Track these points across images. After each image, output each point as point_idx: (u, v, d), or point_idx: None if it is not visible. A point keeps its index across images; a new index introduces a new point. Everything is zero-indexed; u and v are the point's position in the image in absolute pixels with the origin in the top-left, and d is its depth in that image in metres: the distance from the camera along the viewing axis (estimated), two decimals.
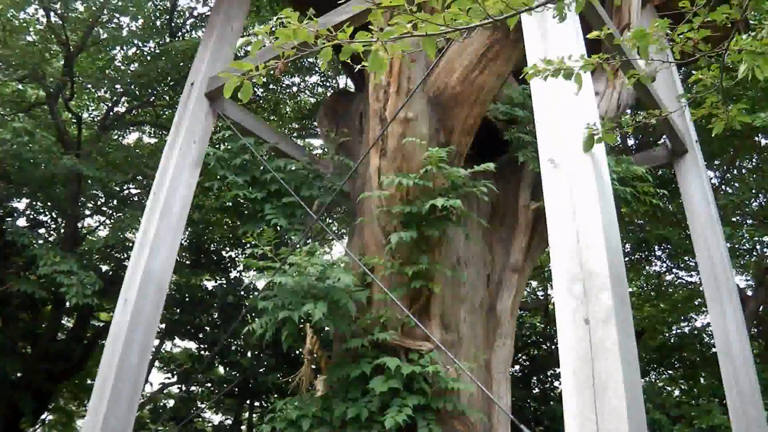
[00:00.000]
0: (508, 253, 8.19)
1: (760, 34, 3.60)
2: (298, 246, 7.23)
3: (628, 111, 12.05)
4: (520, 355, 15.95)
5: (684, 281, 17.40)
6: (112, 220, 15.42)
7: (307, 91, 16.47)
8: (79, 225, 15.35)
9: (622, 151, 11.31)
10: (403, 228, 6.81)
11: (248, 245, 7.51)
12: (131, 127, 16.22)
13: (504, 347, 7.91)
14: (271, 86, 15.44)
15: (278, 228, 7.85)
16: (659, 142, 12.58)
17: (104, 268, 14.17)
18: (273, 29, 2.96)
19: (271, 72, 3.13)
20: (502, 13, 2.79)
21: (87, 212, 15.83)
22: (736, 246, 15.25)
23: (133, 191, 15.45)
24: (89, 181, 13.21)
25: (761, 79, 3.57)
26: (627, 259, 15.86)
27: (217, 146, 8.98)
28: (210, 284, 16.05)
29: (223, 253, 15.40)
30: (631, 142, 14.92)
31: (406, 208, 6.71)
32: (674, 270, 17.29)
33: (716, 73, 3.87)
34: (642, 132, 14.23)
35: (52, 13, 12.89)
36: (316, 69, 15.22)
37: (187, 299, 14.85)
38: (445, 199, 6.47)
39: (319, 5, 10.19)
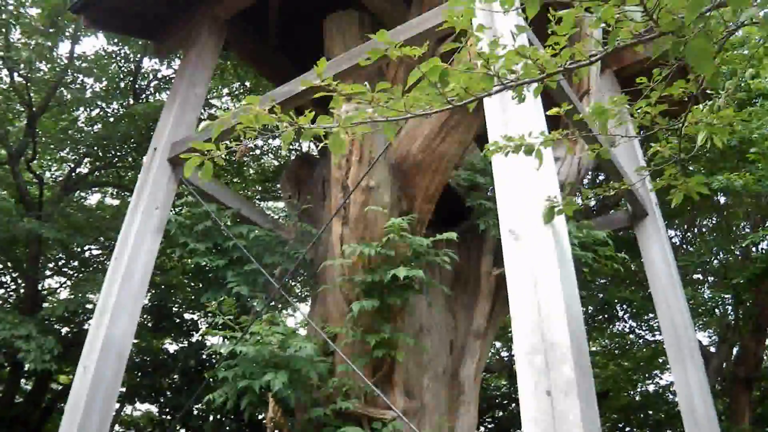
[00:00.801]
0: (471, 319, 8.19)
1: (716, 104, 3.68)
2: (259, 315, 7.18)
3: (589, 174, 12.22)
4: (484, 417, 15.87)
5: (647, 340, 17.49)
6: (73, 281, 15.25)
7: (270, 154, 16.52)
8: (39, 286, 15.16)
9: (583, 214, 11.44)
10: (366, 296, 6.80)
11: (210, 311, 7.43)
12: (93, 189, 16.13)
13: (468, 414, 7.86)
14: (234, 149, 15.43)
15: (240, 296, 7.80)
16: (620, 204, 12.72)
17: (64, 330, 13.95)
18: (234, 114, 2.98)
19: (233, 155, 3.14)
20: (461, 99, 2.83)
21: (48, 273, 15.66)
22: (698, 303, 15.38)
23: (95, 252, 15.30)
24: (50, 242, 13.06)
25: (719, 145, 3.65)
26: (590, 319, 15.94)
27: (180, 210, 8.93)
28: (172, 347, 15.86)
29: (186, 316, 15.22)
30: (592, 202, 15.07)
31: (368, 277, 6.71)
32: (637, 329, 17.38)
33: (674, 145, 3.94)
34: (603, 195, 14.37)
35: (15, 74, 12.86)
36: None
37: (148, 362, 14.62)
38: (408, 269, 6.48)
39: (281, 74, 10.32)
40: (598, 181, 16.00)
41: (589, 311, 15.74)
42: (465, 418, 7.84)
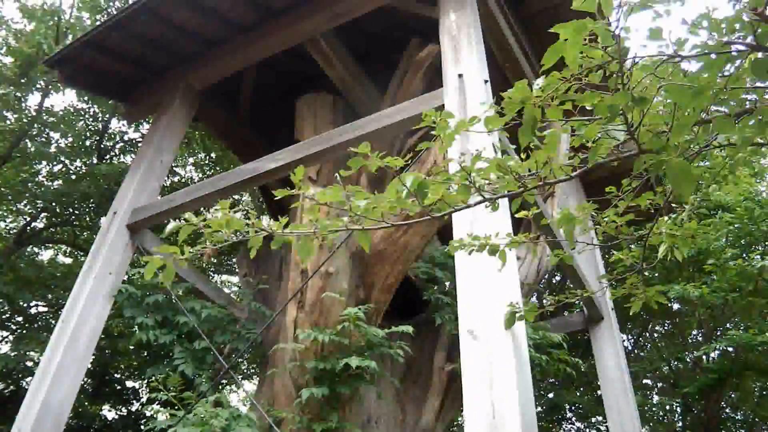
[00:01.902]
0: (420, 413, 8.05)
1: (680, 217, 3.70)
2: (204, 394, 7.01)
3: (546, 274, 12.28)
4: None
5: None
6: (15, 337, 14.89)
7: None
8: None
9: (539, 316, 11.44)
10: (316, 383, 6.67)
11: (154, 386, 7.23)
12: (47, 245, 15.87)
13: None
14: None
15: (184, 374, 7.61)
16: (575, 306, 12.74)
17: (1, 386, 13.59)
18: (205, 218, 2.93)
19: (200, 258, 3.08)
20: (440, 210, 2.80)
21: None
22: (647, 409, 15.38)
23: (42, 309, 14.99)
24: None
25: (680, 258, 3.66)
26: (539, 420, 15.81)
27: (133, 276, 8.76)
28: (110, 414, 15.45)
29: (127, 383, 14.88)
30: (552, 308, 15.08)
31: (320, 364, 6.59)
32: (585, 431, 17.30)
33: (637, 254, 3.94)
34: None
35: None
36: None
37: (84, 427, 14.21)
38: (360, 359, 6.38)
39: (249, 149, 10.32)
40: (554, 281, 16.10)
41: (538, 411, 15.64)
42: None
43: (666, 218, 3.66)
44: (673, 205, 3.82)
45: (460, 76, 6.16)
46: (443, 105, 6.07)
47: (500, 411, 4.19)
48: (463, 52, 6.39)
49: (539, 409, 15.55)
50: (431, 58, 8.09)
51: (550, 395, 15.34)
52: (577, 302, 11.20)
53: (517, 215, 3.90)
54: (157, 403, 7.06)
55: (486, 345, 4.58)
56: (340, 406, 6.90)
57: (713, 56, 2.16)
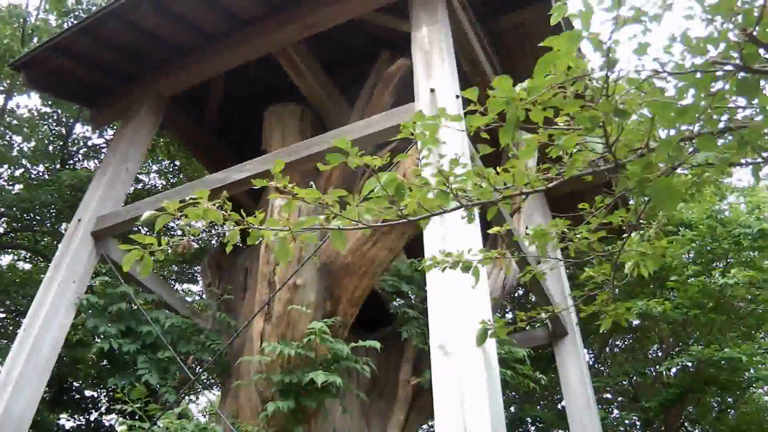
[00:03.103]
0: (385, 427, 8.02)
1: (647, 234, 3.73)
2: (170, 406, 6.93)
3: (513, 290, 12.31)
4: None
5: None
6: None
7: (191, 236, 16.24)
8: None
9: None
10: (281, 396, 6.63)
11: (118, 397, 7.13)
12: (7, 249, 15.62)
13: None
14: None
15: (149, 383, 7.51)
16: (538, 320, 12.78)
17: None
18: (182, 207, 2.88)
19: (175, 249, 3.04)
20: (416, 214, 2.79)
21: None
22: (608, 423, 15.46)
23: (0, 315, 14.75)
24: None
25: (646, 275, 3.69)
26: None
27: (94, 284, 8.65)
28: (68, 424, 15.19)
29: (86, 392, 14.64)
30: (522, 324, 15.14)
31: (285, 378, 6.55)
32: None
33: (607, 271, 3.96)
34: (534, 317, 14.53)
35: None
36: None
37: None
38: (326, 374, 6.35)
39: (216, 158, 10.26)
40: (516, 295, 16.14)
41: None
42: None
43: (634, 235, 3.69)
44: (641, 222, 3.85)
45: (432, 90, 6.17)
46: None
47: (471, 427, 4.19)
48: (435, 66, 6.41)
49: None
50: (401, 72, 8.09)
51: (512, 409, 15.36)
52: (543, 317, 11.28)
53: (489, 231, 3.92)
54: (119, 413, 6.96)
55: (457, 361, 4.58)
56: (306, 420, 6.85)
57: (699, 75, 2.18)
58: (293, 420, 6.73)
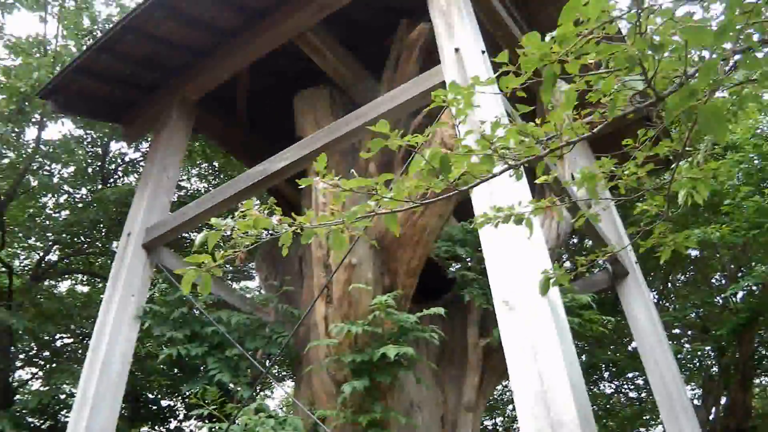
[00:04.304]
0: (461, 392, 8.03)
1: (695, 159, 3.65)
2: (245, 402, 6.98)
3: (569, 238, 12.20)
4: None
5: (631, 398, 17.37)
6: (45, 372, 14.91)
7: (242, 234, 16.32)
8: (10, 378, 14.81)
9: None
10: (354, 376, 6.64)
11: (193, 402, 7.22)
12: (64, 276, 15.85)
13: None
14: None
15: (222, 383, 7.58)
16: (597, 265, 12.68)
17: (38, 423, 13.55)
18: (234, 220, 2.89)
19: (232, 262, 3.04)
20: (466, 183, 2.76)
21: (18, 364, 15.31)
22: (680, 357, 15.35)
23: (67, 341, 14.97)
24: (20, 333, 12.74)
25: (700, 201, 3.62)
26: None
27: (155, 294, 8.74)
28: None
29: (162, 402, 14.86)
30: (568, 264, 15.05)
31: (356, 357, 6.56)
32: (622, 389, 17.27)
33: (661, 202, 3.90)
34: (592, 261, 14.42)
35: None
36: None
37: None
38: (397, 347, 6.34)
39: (252, 152, 10.26)
40: (571, 243, 16.02)
41: None
42: None
43: (683, 163, 3.62)
44: (688, 149, 3.78)
45: (456, 50, 6.10)
46: (443, 81, 6.02)
47: (547, 378, 4.15)
48: (456, 26, 6.33)
49: None
50: (423, 37, 8.02)
51: (583, 357, 15.28)
52: (601, 261, 11.18)
53: (537, 181, 3.86)
54: (197, 417, 7.03)
55: (523, 314, 4.53)
56: (382, 396, 6.87)
57: None
58: (369, 398, 6.75)
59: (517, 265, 4.77)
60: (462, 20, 6.34)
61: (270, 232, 2.80)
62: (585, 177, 3.43)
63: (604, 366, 15.72)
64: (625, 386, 17.13)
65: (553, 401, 4.04)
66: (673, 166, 3.53)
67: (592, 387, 16.92)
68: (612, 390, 17.45)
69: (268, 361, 8.36)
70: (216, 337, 7.84)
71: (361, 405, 6.76)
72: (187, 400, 7.70)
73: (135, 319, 7.70)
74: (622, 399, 17.62)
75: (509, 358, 4.44)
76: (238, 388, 7.71)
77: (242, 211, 2.74)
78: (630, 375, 16.15)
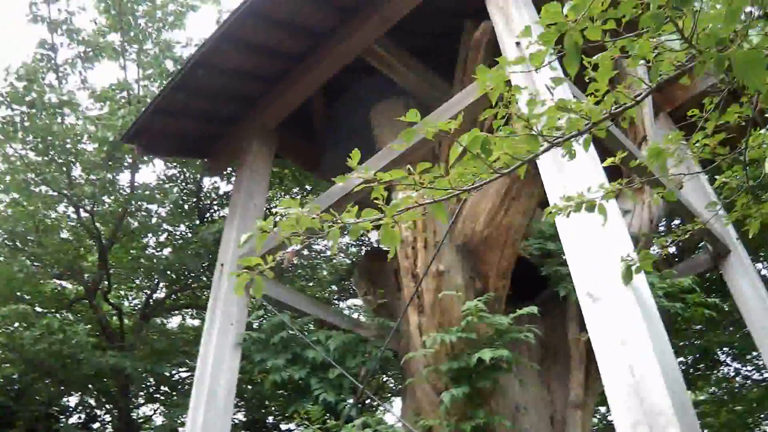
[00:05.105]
0: (567, 389, 7.86)
1: None
2: (350, 419, 7.01)
3: (664, 221, 11.86)
4: None
5: (755, 380, 16.74)
6: (165, 406, 15.31)
7: (341, 253, 16.43)
8: (134, 415, 15.27)
9: (665, 263, 11.06)
10: (454, 384, 6.58)
11: (298, 422, 7.31)
12: (173, 312, 16.25)
13: None
14: (305, 252, 15.48)
15: (327, 402, 7.63)
16: (700, 245, 12.30)
17: None
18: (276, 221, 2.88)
19: (280, 264, 3.03)
20: (508, 165, 2.70)
21: (140, 400, 15.77)
22: None
23: (183, 375, 15.32)
24: (139, 370, 13.10)
25: None
26: (691, 369, 15.34)
27: (256, 321, 8.89)
28: None
29: (282, 426, 15.06)
30: (671, 249, 14.63)
31: (453, 364, 6.50)
32: (743, 371, 16.66)
33: (740, 173, 3.77)
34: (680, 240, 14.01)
35: (81, 210, 13.12)
36: (345, 232, 15.27)
37: None
38: (492, 350, 6.26)
39: (335, 169, 10.32)
40: (674, 227, 15.57)
41: (689, 361, 15.14)
42: None
43: (764, 130, 3.48)
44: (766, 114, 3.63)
45: (517, 44, 6.03)
46: (510, 74, 5.94)
47: (638, 370, 4.02)
48: (514, 19, 6.26)
49: (690, 358, 15.06)
50: (486, 35, 7.94)
51: (698, 342, 14.80)
52: (703, 241, 10.82)
53: (605, 165, 3.76)
54: None
55: (607, 304, 4.41)
56: (485, 401, 6.78)
57: None
58: (472, 404, 6.67)
59: (597, 254, 4.65)
60: (519, 12, 6.26)
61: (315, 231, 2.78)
62: (652, 153, 3.32)
63: (720, 349, 15.19)
64: (749, 368, 16.51)
65: (647, 392, 3.92)
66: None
67: (709, 371, 16.39)
68: (733, 373, 16.84)
69: (370, 377, 8.37)
70: (317, 359, 7.90)
71: (464, 412, 6.69)
72: (306, 420, 7.85)
73: (236, 347, 7.82)
74: (747, 381, 16.98)
75: (597, 351, 4.33)
76: (347, 405, 7.74)
77: (284, 210, 2.72)
78: (751, 356, 15.56)
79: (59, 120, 12.29)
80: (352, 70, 8.91)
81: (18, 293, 12.79)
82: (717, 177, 4.16)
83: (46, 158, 12.36)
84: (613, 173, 4.95)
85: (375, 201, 2.76)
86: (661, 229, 12.43)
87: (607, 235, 4.60)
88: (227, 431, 7.46)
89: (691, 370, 15.31)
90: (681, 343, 13.61)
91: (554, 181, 5.10)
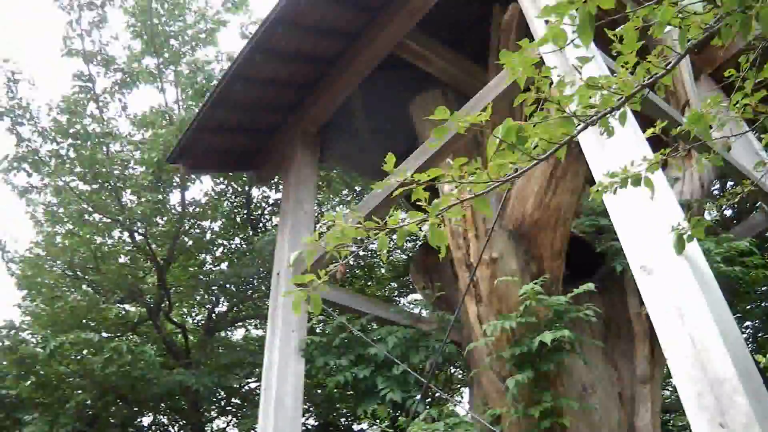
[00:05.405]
0: (633, 366, 7.77)
1: None
2: (417, 414, 7.02)
3: (717, 184, 11.67)
4: None
5: None
6: (238, 418, 15.47)
7: (396, 250, 16.42)
8: (208, 429, 15.47)
9: (721, 227, 10.87)
10: (518, 370, 6.55)
11: (367, 421, 7.36)
12: (235, 324, 16.40)
13: None
14: (362, 252, 15.52)
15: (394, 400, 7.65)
16: (756, 207, 12.08)
17: None
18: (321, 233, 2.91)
19: (333, 278, 3.06)
20: (545, 150, 2.68)
21: (213, 414, 15.95)
22: None
23: (253, 385, 15.46)
24: (211, 385, 13.25)
25: None
26: (758, 333, 15.03)
27: (318, 326, 8.95)
28: None
29: (354, 427, 15.11)
30: (727, 212, 14.38)
31: (515, 350, 6.47)
32: None
33: None
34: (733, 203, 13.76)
35: (135, 233, 13.33)
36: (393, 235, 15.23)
37: None
38: (553, 332, 6.22)
39: (378, 171, 10.32)
40: (729, 188, 15.29)
41: (756, 325, 14.83)
42: None
43: None
44: None
45: (547, 21, 5.97)
46: (540, 57, 5.89)
47: (699, 339, 3.96)
48: None
49: (756, 322, 14.74)
50: (515, 17, 7.90)
51: (765, 304, 14.47)
52: (758, 201, 10.62)
53: (646, 135, 3.71)
54: None
55: (662, 276, 4.36)
56: (551, 384, 6.73)
57: None
58: (538, 389, 6.63)
59: (647, 227, 4.60)
60: None
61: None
62: (692, 120, 3.28)
63: None
64: None
65: (709, 361, 3.86)
66: None
67: None
68: None
69: (436, 370, 8.38)
70: (379, 357, 7.92)
71: (531, 397, 6.65)
72: (371, 423, 7.87)
73: (299, 353, 7.89)
74: None
75: (656, 324, 4.28)
76: (415, 401, 7.76)
77: (329, 222, 2.74)
78: None
79: (104, 149, 12.52)
80: (388, 66, 8.91)
81: (83, 321, 13.01)
82: (763, 136, 4.09)
83: (95, 186, 12.58)
84: (660, 142, 4.88)
85: (417, 203, 2.77)
86: (715, 193, 12.22)
87: (656, 206, 4.54)
88: None
89: (757, 335, 15.00)
90: (747, 307, 13.35)
91: (597, 159, 5.06)
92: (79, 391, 12.50)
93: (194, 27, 13.61)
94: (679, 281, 4.22)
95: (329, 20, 8.06)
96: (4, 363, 12.06)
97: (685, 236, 4.16)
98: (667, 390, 14.36)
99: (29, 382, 11.79)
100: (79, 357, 12.24)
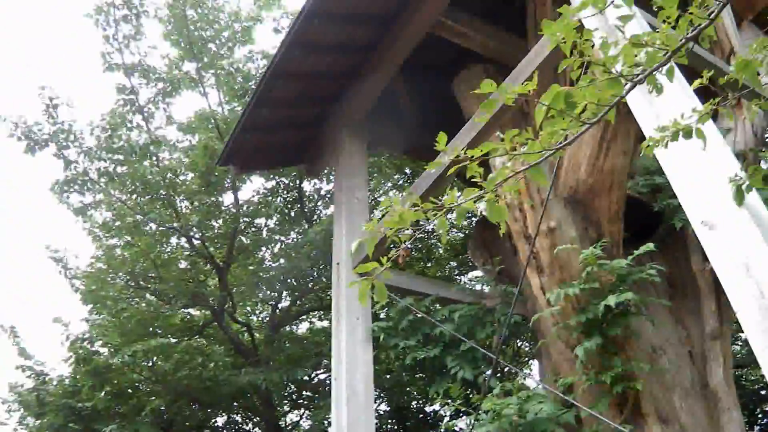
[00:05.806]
0: (702, 323, 7.69)
1: None
2: (490, 390, 7.03)
3: None
4: (756, 416, 14.59)
5: None
6: (311, 410, 15.61)
7: (453, 229, 16.36)
8: (282, 423, 15.62)
9: None
10: (586, 337, 6.53)
11: (439, 401, 7.39)
12: (300, 317, 16.52)
13: (732, 421, 7.26)
14: (418, 233, 15.46)
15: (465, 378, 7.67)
16: None
17: None
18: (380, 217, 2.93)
19: (395, 263, 3.09)
20: (595, 114, 2.66)
21: (286, 408, 16.11)
22: None
23: (322, 376, 15.58)
24: (275, 380, 13.38)
25: None
26: None
27: (382, 311, 8.99)
28: None
29: (427, 409, 15.14)
30: None
31: (581, 317, 6.45)
32: None
33: None
34: None
35: (192, 238, 13.50)
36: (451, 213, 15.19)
37: None
38: (617, 296, 6.18)
39: (429, 151, 10.31)
40: None
41: None
42: (730, 427, 7.26)
43: None
44: None
45: None
46: (579, 20, 5.83)
47: None
48: None
49: None
50: None
51: None
52: None
53: (693, 87, 3.65)
54: (451, 416, 7.17)
55: (724, 230, 4.29)
56: (620, 348, 6.70)
57: None
58: (607, 354, 6.60)
59: (704, 180, 4.53)
60: None
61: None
62: (740, 66, 3.22)
63: None
64: None
65: None
66: None
67: None
68: None
69: (506, 344, 8.38)
70: (446, 335, 7.95)
71: (601, 363, 6.62)
72: (443, 404, 7.94)
73: (366, 340, 7.93)
74: None
75: (722, 279, 4.20)
76: (485, 377, 7.77)
77: (385, 209, 2.76)
78: None
79: (154, 159, 12.67)
80: (428, 46, 8.86)
81: (149, 329, 13.22)
82: None
83: (147, 197, 12.75)
84: (708, 94, 4.81)
85: (472, 179, 2.77)
86: None
87: (710, 158, 4.47)
88: (371, 424, 7.59)
89: None
90: None
91: (647, 116, 4.98)
92: (153, 398, 12.73)
93: (230, 28, 13.68)
94: (742, 233, 4.15)
95: (363, 7, 8.04)
96: (78, 376, 12.32)
97: (743, 187, 4.10)
98: (737, 345, 14.12)
99: (104, 392, 11.99)
100: (150, 364, 12.45)
